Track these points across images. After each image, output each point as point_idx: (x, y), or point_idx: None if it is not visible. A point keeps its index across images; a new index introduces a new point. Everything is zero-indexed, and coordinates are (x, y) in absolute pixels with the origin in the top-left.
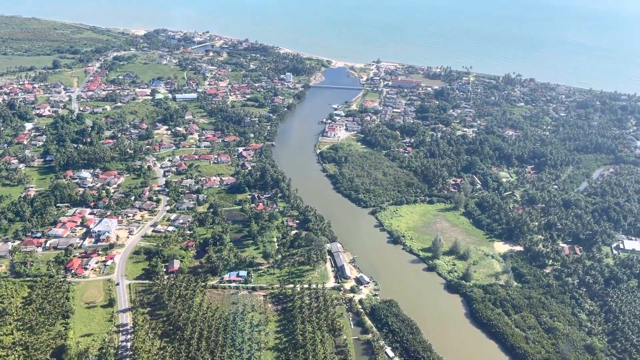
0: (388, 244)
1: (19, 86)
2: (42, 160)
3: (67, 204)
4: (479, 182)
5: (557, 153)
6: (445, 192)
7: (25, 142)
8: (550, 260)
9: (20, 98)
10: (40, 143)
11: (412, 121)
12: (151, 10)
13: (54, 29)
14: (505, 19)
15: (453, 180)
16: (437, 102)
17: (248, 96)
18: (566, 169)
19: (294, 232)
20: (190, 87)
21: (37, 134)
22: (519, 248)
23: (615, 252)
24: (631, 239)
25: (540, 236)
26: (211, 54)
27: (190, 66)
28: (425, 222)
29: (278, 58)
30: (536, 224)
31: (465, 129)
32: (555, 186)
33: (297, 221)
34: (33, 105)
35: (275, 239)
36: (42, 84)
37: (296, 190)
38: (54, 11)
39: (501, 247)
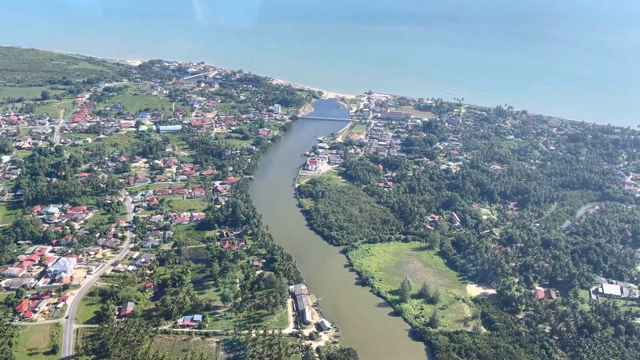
0: (356, 285)
1: (4, 118)
2: (13, 194)
3: (28, 241)
4: (457, 219)
5: (541, 189)
6: (422, 229)
7: None
8: (524, 305)
9: (3, 130)
10: (14, 176)
11: (396, 154)
12: (149, 41)
13: (50, 59)
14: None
15: (431, 217)
16: (425, 135)
17: (233, 128)
18: (550, 206)
19: (258, 272)
20: (177, 118)
21: (12, 167)
22: (492, 291)
23: (593, 296)
24: (611, 283)
25: (515, 278)
26: (203, 84)
27: (179, 97)
28: (397, 262)
29: (269, 89)
30: (513, 265)
31: (450, 163)
32: (537, 224)
33: (264, 260)
34: (14, 137)
35: (237, 280)
36: (27, 116)
37: (266, 227)
38: (52, 42)
39: (474, 289)
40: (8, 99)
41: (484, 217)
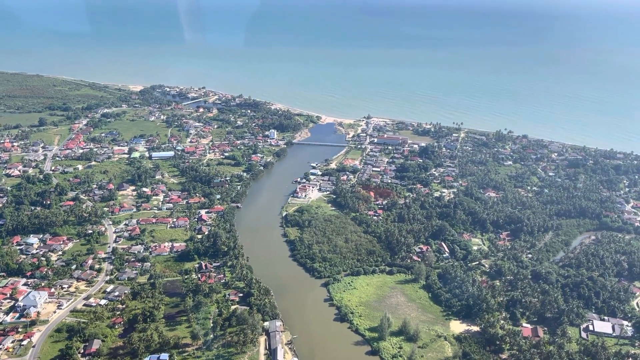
0: (335, 321)
1: None
2: (1, 223)
3: (2, 274)
4: (446, 250)
5: (535, 218)
6: (409, 261)
7: None
8: (507, 345)
9: None
10: (0, 205)
11: (389, 181)
12: (151, 66)
13: (53, 85)
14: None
15: (419, 248)
16: (421, 161)
17: (227, 154)
18: (544, 236)
19: (234, 307)
20: (171, 144)
21: (0, 195)
22: (476, 328)
23: (584, 334)
24: (603, 319)
25: (501, 315)
26: (201, 110)
27: (176, 123)
28: (379, 296)
29: (267, 114)
30: (500, 299)
31: (444, 190)
32: (530, 255)
33: (241, 294)
34: (5, 165)
35: (211, 316)
36: (22, 142)
37: (246, 259)
38: (57, 68)
39: (458, 326)
40: (4, 126)
41: (475, 247)
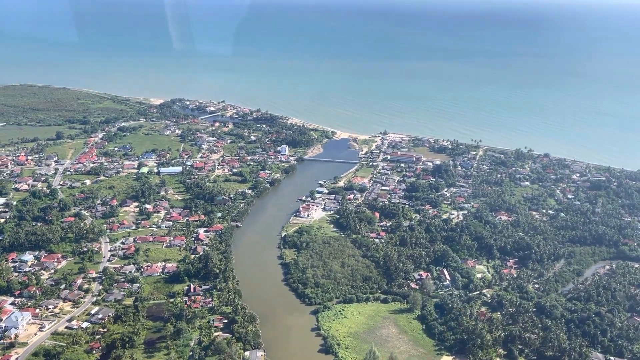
0: (319, 352)
1: (13, 158)
2: None
3: None
4: (447, 277)
5: (546, 245)
6: (406, 288)
7: None
8: None
9: (9, 170)
10: (3, 220)
11: (397, 201)
12: (174, 79)
13: (77, 99)
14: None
15: (418, 275)
16: (433, 180)
17: (235, 170)
18: (554, 265)
19: (216, 334)
20: (181, 159)
21: (4, 210)
22: None
23: None
24: None
25: (496, 352)
26: (217, 124)
27: (190, 137)
28: (370, 327)
29: (282, 129)
30: (498, 334)
31: (454, 212)
32: (537, 285)
33: (226, 320)
34: (16, 179)
35: (192, 343)
36: (36, 156)
37: (236, 283)
38: (83, 81)
39: None
40: (22, 139)
41: (478, 275)
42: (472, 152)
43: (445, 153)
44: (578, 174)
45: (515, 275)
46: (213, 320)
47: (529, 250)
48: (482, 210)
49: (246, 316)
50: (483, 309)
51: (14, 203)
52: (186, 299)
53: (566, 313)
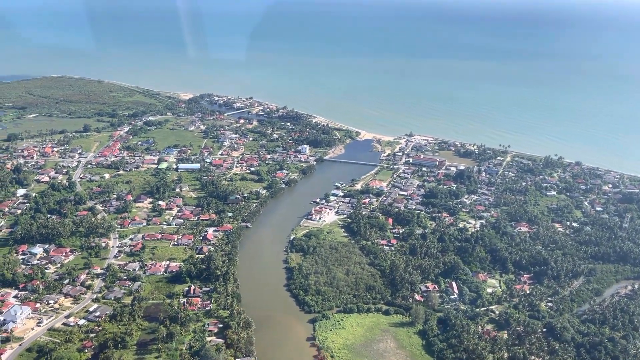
0: None
1: (39, 149)
2: (9, 230)
3: None
4: (455, 291)
5: (564, 261)
6: (410, 300)
7: (5, 210)
8: None
9: (33, 162)
10: (20, 212)
11: (414, 207)
12: (203, 74)
13: (110, 91)
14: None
15: (425, 287)
16: (454, 186)
17: (253, 169)
18: (571, 282)
19: (209, 338)
20: (202, 156)
21: (23, 201)
22: None
23: None
24: None
25: None
26: (241, 121)
27: (213, 134)
28: (367, 339)
29: (305, 127)
30: (500, 355)
31: (472, 221)
32: (550, 304)
33: (221, 325)
34: (39, 170)
35: (184, 347)
36: (62, 148)
37: (236, 286)
38: (117, 74)
39: None
40: (51, 131)
41: (489, 290)
42: (499, 158)
43: (471, 158)
44: (610, 185)
45: (527, 292)
46: (208, 325)
47: (546, 266)
48: (502, 220)
49: (241, 322)
50: (489, 326)
51: (33, 195)
52: (185, 300)
53: (577, 336)
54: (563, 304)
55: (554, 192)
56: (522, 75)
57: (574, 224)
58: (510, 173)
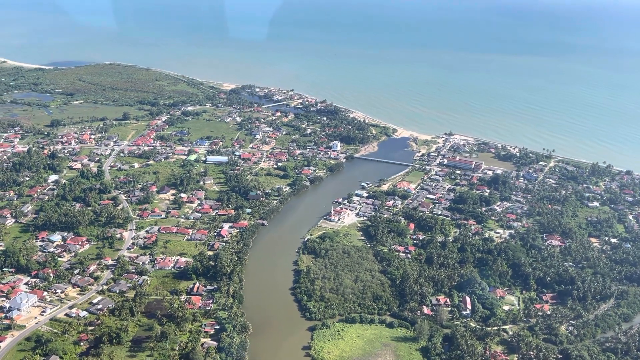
0: None
1: (78, 136)
2: (34, 216)
3: (12, 269)
4: (469, 306)
5: (593, 281)
6: (418, 313)
7: (34, 196)
8: None
9: (70, 148)
10: (47, 198)
11: (439, 212)
12: (249, 64)
13: (155, 80)
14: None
15: (436, 299)
16: (487, 191)
17: (280, 164)
18: (598, 305)
19: (204, 340)
20: (232, 149)
21: (52, 187)
22: None
23: None
24: None
25: None
26: (278, 114)
27: (247, 126)
28: (365, 353)
29: (341, 122)
30: None
31: (500, 231)
32: (571, 328)
33: (218, 327)
34: (74, 157)
35: (177, 347)
36: (99, 135)
37: (240, 287)
38: (166, 63)
39: None
40: (92, 118)
41: (505, 307)
42: (541, 163)
43: (511, 161)
44: None
45: (547, 313)
46: (204, 325)
47: (572, 285)
48: (532, 231)
49: (237, 325)
50: (498, 348)
51: (64, 182)
52: (186, 298)
53: None
54: (585, 329)
55: (596, 203)
56: (584, 74)
57: (613, 240)
58: (551, 180)
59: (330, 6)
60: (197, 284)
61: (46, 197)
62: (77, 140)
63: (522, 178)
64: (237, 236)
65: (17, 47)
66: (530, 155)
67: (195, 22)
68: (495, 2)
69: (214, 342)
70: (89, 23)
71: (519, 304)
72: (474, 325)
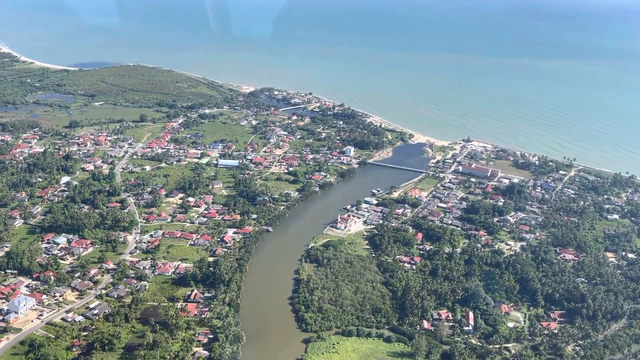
0: None
1: (94, 138)
2: (43, 218)
3: (14, 271)
4: (471, 322)
5: (605, 299)
6: (417, 328)
7: (45, 197)
8: None
9: (85, 150)
10: (57, 199)
11: (449, 222)
12: (269, 67)
13: (176, 82)
14: None
15: (437, 314)
16: (502, 201)
17: (291, 169)
18: (609, 325)
19: (196, 349)
20: (245, 152)
21: (64, 189)
22: None
23: None
24: None
25: None
26: (294, 117)
27: (262, 130)
28: None
29: (356, 127)
30: None
31: (511, 243)
32: (578, 348)
33: (211, 336)
34: (88, 158)
35: (168, 356)
36: (115, 137)
37: (237, 295)
38: (188, 65)
39: None
40: (109, 119)
41: (510, 324)
42: (561, 172)
43: (530, 170)
44: None
45: (554, 331)
46: (198, 334)
47: (582, 302)
48: (545, 244)
49: (230, 335)
50: None
51: (75, 183)
52: (182, 305)
53: None
54: (593, 350)
55: (616, 216)
56: (614, 78)
57: (630, 255)
58: (569, 190)
59: (356, 7)
60: (195, 291)
61: (56, 199)
62: (92, 142)
63: (540, 187)
64: (240, 242)
65: (45, 48)
66: (550, 163)
67: (219, 25)
68: (522, 2)
69: (206, 352)
70: (114, 25)
71: (524, 321)
72: (475, 342)
